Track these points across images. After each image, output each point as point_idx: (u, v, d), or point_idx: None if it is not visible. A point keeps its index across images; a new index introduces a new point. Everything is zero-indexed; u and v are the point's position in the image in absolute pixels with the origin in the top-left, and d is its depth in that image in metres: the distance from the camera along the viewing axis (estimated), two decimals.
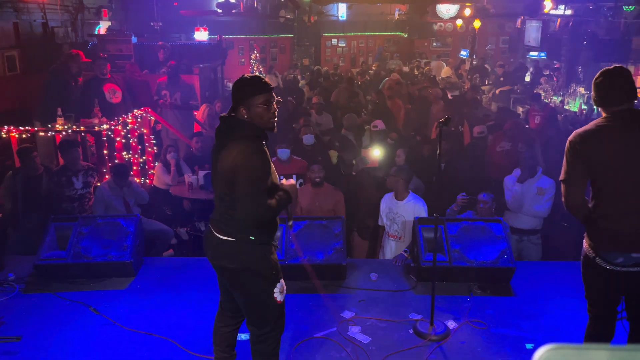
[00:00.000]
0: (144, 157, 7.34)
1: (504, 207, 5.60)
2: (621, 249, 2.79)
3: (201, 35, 12.10)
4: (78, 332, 3.79)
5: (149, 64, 9.54)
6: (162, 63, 9.20)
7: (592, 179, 2.87)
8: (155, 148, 7.62)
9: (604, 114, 2.88)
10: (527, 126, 9.11)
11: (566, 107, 12.04)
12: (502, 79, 13.84)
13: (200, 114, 9.02)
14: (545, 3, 10.25)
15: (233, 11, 13.70)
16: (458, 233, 4.52)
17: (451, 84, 13.93)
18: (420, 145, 6.98)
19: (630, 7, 12.93)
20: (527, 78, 14.10)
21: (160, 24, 11.77)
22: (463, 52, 18.31)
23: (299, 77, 15.11)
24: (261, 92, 2.71)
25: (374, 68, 16.09)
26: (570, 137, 2.90)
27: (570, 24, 12.03)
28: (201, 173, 6.50)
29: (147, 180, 7.18)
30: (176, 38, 13.06)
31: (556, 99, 12.45)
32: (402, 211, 5.03)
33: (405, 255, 4.77)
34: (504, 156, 6.45)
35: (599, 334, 3.05)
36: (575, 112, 11.45)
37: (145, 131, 7.43)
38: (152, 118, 7.68)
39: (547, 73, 13.40)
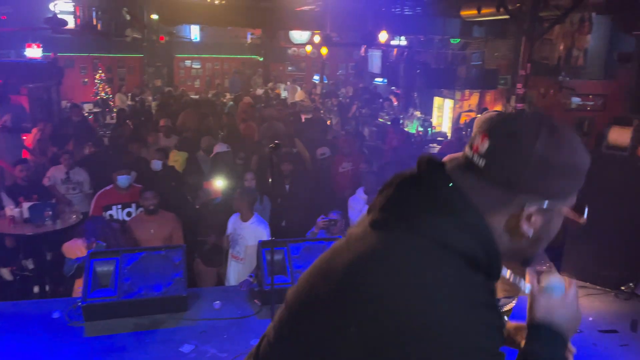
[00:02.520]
0: None
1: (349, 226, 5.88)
2: None
3: (33, 52, 11.01)
4: None
5: None
6: None
7: None
8: None
9: None
10: (386, 147, 9.82)
11: (406, 129, 13.19)
12: (348, 101, 14.72)
13: (30, 138, 8.13)
14: (380, 35, 11.14)
15: (64, 28, 12.72)
16: (301, 254, 4.60)
17: (304, 107, 14.43)
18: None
19: (456, 39, 14.71)
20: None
21: None
22: (316, 77, 19.15)
23: (150, 97, 14.48)
24: None
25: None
26: None
27: (405, 53, 13.26)
28: (26, 205, 5.80)
29: None
30: (4, 55, 11.75)
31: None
32: (245, 233, 5.03)
33: (251, 279, 4.73)
34: (346, 176, 6.79)
35: None
36: (414, 134, 12.59)
37: None
38: None
39: (387, 97, 14.58)
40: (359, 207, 5.72)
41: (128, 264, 4.17)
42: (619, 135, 4.82)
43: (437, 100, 15.48)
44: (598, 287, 5.01)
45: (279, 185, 6.60)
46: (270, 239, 4.87)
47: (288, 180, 6.65)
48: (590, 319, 4.47)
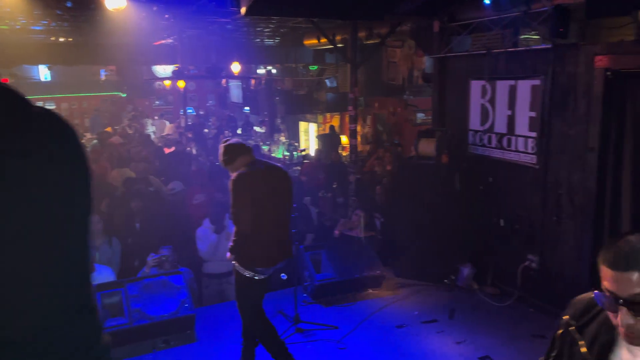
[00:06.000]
0: None
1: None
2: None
3: None
4: None
5: None
6: None
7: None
8: None
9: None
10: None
11: (273, 154, 13.56)
12: (215, 131, 14.79)
13: None
14: (232, 66, 11.42)
15: None
16: (140, 292, 4.56)
17: (169, 141, 14.20)
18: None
19: (314, 66, 15.50)
20: (239, 130, 15.42)
21: None
22: (189, 109, 18.98)
23: None
24: None
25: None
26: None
27: (263, 82, 13.70)
28: None
29: None
30: None
31: (265, 148, 13.92)
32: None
33: None
34: (200, 208, 6.83)
35: (268, 331, 3.83)
36: (280, 158, 12.96)
37: None
38: None
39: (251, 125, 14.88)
40: (206, 236, 5.80)
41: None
42: (427, 146, 5.47)
43: (302, 125, 16.11)
44: (425, 283, 5.58)
45: (129, 224, 6.46)
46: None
47: (138, 219, 6.53)
48: (416, 312, 4.97)
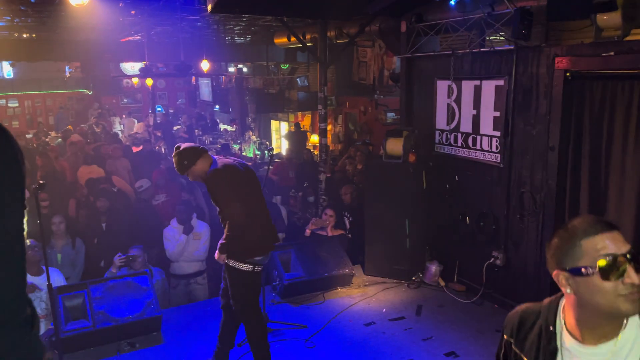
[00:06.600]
0: None
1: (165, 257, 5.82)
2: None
3: None
4: None
5: None
6: None
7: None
8: None
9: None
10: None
11: (244, 153, 13.46)
12: (185, 129, 14.62)
13: None
14: (202, 64, 11.30)
15: None
16: (104, 294, 4.47)
17: (138, 139, 13.95)
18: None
19: (285, 65, 15.45)
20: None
21: None
22: (158, 108, 18.67)
23: None
24: None
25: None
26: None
27: (233, 80, 13.58)
28: None
29: None
30: None
31: (236, 147, 13.81)
32: (43, 286, 4.70)
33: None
34: (163, 207, 6.74)
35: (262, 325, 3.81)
36: (251, 157, 12.88)
37: None
38: None
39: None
40: (173, 236, 5.72)
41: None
42: (394, 146, 5.52)
43: (274, 124, 16.06)
44: (394, 281, 5.64)
45: (94, 223, 6.32)
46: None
47: (104, 218, 6.40)
48: (384, 310, 5.02)
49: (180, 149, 3.76)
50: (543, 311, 1.47)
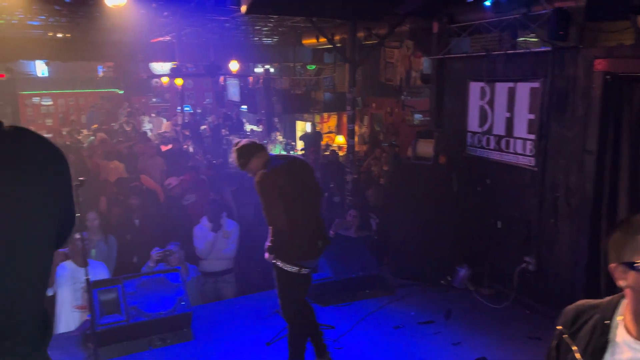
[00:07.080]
0: None
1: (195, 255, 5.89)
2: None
3: None
4: None
5: None
6: None
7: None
8: None
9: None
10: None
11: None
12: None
13: None
14: (230, 64, 11.40)
15: None
16: (137, 289, 4.55)
17: (166, 138, 14.17)
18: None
19: (312, 65, 15.49)
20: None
21: None
22: (186, 107, 18.92)
23: None
24: None
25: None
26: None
27: (261, 81, 13.68)
28: None
29: None
30: None
31: None
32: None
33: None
34: (191, 207, 6.82)
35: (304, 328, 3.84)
36: None
37: None
38: None
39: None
40: (203, 234, 5.78)
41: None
42: (425, 147, 5.48)
43: (299, 125, 16.10)
44: (421, 283, 5.58)
45: (127, 220, 6.44)
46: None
47: (137, 215, 6.52)
48: (412, 313, 4.98)
49: (239, 145, 3.78)
50: (602, 306, 1.46)
